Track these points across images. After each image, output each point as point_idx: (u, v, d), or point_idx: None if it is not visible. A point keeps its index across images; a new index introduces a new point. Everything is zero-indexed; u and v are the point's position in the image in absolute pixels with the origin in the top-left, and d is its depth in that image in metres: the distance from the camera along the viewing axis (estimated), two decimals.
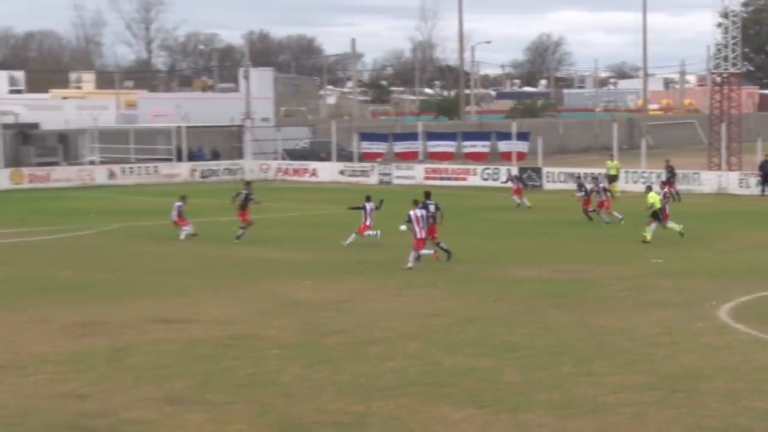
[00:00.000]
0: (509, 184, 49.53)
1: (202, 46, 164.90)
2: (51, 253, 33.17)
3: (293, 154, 71.96)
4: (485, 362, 19.03)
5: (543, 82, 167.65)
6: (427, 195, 31.98)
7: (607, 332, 21.48)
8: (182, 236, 36.11)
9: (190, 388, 17.19)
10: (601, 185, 42.54)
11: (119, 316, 23.04)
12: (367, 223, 34.60)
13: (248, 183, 40.74)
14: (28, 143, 69.34)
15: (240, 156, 72.82)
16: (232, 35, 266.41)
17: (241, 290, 26.45)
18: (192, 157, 70.76)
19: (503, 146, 64.82)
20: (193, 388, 17.23)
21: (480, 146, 65.54)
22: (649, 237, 35.03)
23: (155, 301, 24.83)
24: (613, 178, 52.60)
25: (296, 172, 64.29)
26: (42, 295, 25.60)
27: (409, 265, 29.75)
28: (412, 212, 30.38)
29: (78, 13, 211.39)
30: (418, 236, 30.09)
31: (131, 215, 44.14)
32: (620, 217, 40.11)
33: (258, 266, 30.59)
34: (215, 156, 73.43)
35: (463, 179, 62.19)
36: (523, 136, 64.95)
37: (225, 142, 76.96)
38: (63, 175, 62.36)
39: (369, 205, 34.95)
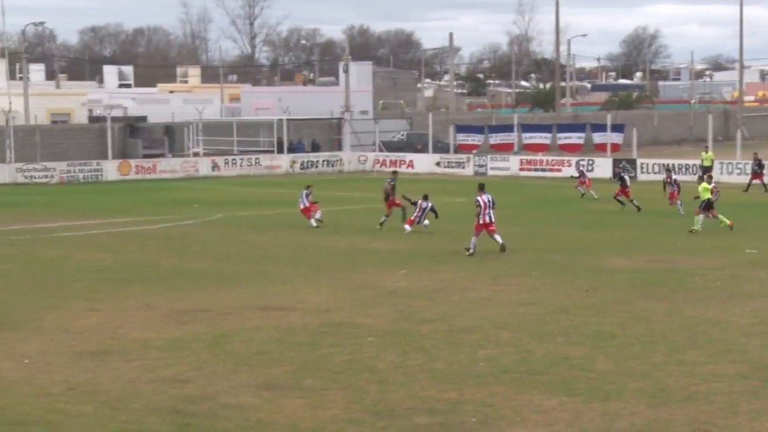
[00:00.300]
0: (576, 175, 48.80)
1: (303, 41, 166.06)
2: (155, 242, 33.59)
3: (390, 146, 72.02)
4: (577, 351, 18.81)
5: (638, 74, 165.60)
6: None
7: (699, 322, 21.09)
8: (313, 223, 36.73)
9: (287, 374, 17.26)
10: (674, 177, 42.26)
11: (220, 303, 23.23)
12: (412, 218, 35.45)
13: (395, 172, 41.26)
14: (136, 136, 70.41)
15: (339, 148, 73.11)
16: (333, 30, 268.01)
17: (338, 279, 26.50)
18: (292, 149, 71.23)
19: (598, 138, 64.23)
20: (291, 374, 17.29)
21: (575, 138, 65.04)
22: (697, 227, 34.41)
23: (255, 289, 24.99)
24: (707, 170, 51.89)
25: (393, 163, 64.26)
26: (146, 283, 25.93)
27: (471, 251, 29.92)
28: (479, 198, 30.69)
29: (185, 10, 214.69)
30: (481, 222, 30.46)
31: (233, 206, 44.56)
32: (681, 211, 39.41)
33: (355, 255, 30.63)
34: (315, 148, 73.85)
35: (558, 170, 61.70)
36: (617, 128, 64.29)
37: (324, 134, 77.38)
38: (168, 166, 63.22)
39: (425, 204, 35.57)
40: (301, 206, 37.44)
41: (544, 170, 62.01)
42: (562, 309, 22.55)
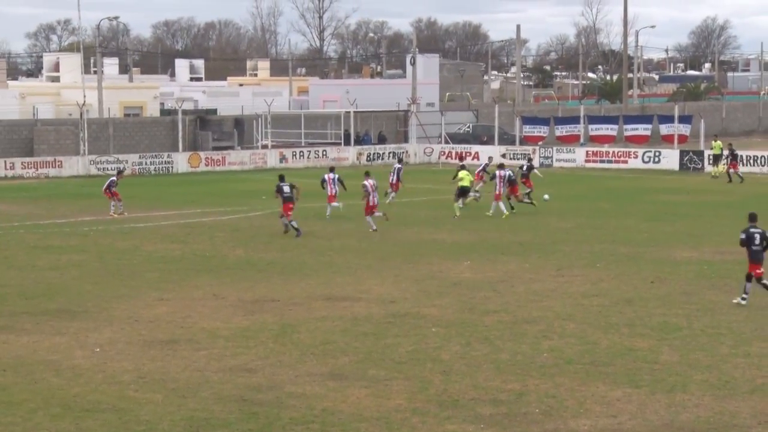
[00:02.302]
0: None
1: (371, 34, 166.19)
2: (223, 233, 33.83)
3: (456, 138, 71.84)
4: (642, 342, 18.64)
5: (707, 65, 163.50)
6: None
7: (767, 314, 20.78)
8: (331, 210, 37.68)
9: (352, 364, 17.30)
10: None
11: (287, 293, 23.34)
12: (331, 193, 37.14)
13: (530, 159, 43.61)
14: (206, 128, 70.89)
15: (405, 140, 73.07)
16: (401, 23, 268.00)
17: (403, 270, 26.50)
18: (359, 141, 71.30)
19: (665, 129, 63.58)
20: (356, 363, 17.34)
21: (641, 129, 64.45)
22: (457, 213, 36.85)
23: (321, 280, 25.08)
24: (717, 158, 55.69)
25: (459, 155, 63.99)
26: (214, 273, 26.13)
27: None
28: (366, 182, 34.75)
29: (256, 4, 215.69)
30: (370, 203, 34.44)
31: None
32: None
33: (419, 246, 30.61)
34: (381, 140, 73.85)
35: (624, 162, 61.13)
36: (685, 119, 63.57)
37: (391, 126, 77.34)
38: (237, 158, 63.57)
39: (330, 176, 37.28)
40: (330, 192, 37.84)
41: (610, 161, 61.46)
42: (626, 300, 22.36)
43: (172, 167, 60.86)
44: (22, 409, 14.77)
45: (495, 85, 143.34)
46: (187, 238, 32.65)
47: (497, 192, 38.04)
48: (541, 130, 66.64)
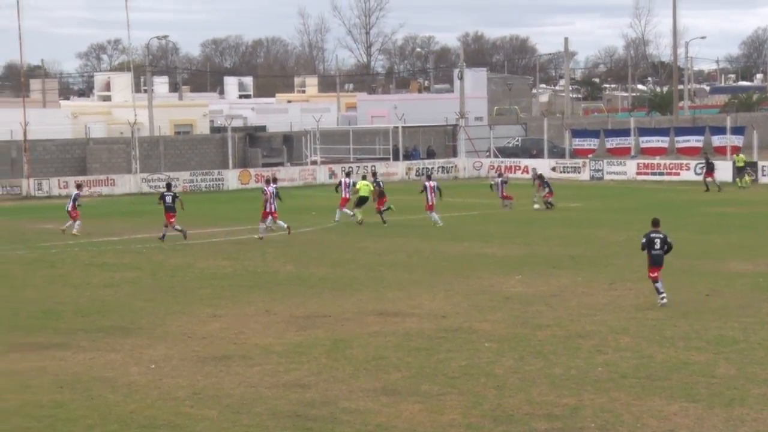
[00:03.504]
0: None
1: (419, 49, 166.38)
2: (274, 249, 33.96)
3: (505, 152, 71.71)
4: (698, 356, 18.47)
5: (759, 76, 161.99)
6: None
7: None
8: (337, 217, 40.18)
9: (405, 379, 17.28)
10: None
11: (339, 309, 23.38)
12: (268, 209, 37.39)
13: (374, 174, 45.23)
14: (256, 145, 71.34)
15: (454, 154, 73.04)
16: (448, 38, 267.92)
17: (454, 284, 26.46)
18: (408, 156, 71.38)
19: (717, 141, 63.10)
20: (409, 379, 17.32)
21: (693, 141, 64.01)
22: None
23: (372, 295, 25.10)
24: (741, 170, 55.93)
25: (508, 169, 63.91)
26: (266, 289, 26.23)
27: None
28: (266, 188, 37.52)
29: (303, 21, 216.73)
30: (267, 210, 36.90)
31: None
32: None
33: (470, 261, 30.56)
34: (430, 155, 73.88)
35: (676, 174, 60.73)
36: (737, 131, 63.09)
37: (440, 141, 77.40)
38: (287, 174, 63.87)
39: (270, 189, 37.75)
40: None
41: (661, 174, 61.09)
42: (681, 314, 22.17)
43: (222, 184, 61.30)
44: (79, 426, 14.90)
45: (543, 98, 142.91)
46: (238, 255, 32.82)
47: (429, 203, 39.85)
48: (591, 143, 66.38)
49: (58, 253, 33.96)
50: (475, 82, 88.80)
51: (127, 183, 60.30)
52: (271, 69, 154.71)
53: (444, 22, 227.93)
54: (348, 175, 44.04)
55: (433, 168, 68.24)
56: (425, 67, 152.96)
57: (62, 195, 56.00)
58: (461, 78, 78.71)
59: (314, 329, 21.32)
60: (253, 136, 72.88)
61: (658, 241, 23.26)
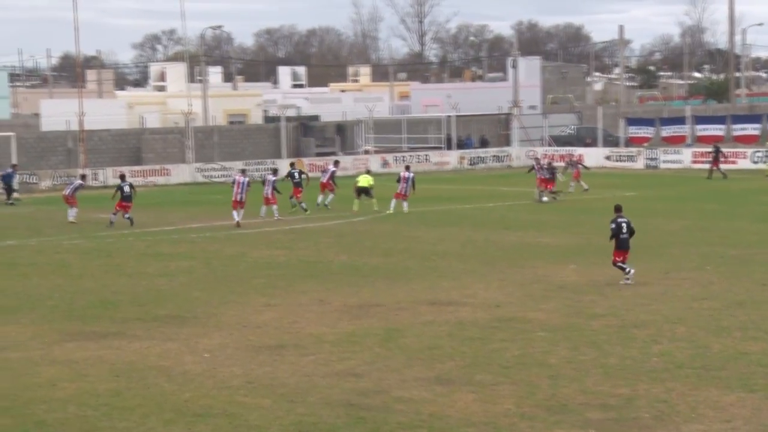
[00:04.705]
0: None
1: (472, 38, 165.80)
2: (328, 239, 34.05)
3: (559, 141, 71.35)
4: (755, 346, 18.29)
5: None
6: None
7: None
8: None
9: (459, 369, 17.28)
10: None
11: (392, 298, 23.40)
12: (239, 199, 38.01)
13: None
14: (309, 134, 71.49)
15: (507, 143, 72.79)
16: (502, 26, 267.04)
17: (508, 274, 26.39)
18: (461, 145, 71.23)
19: None
20: (462, 368, 17.31)
21: (750, 129, 63.35)
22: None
23: (426, 285, 25.09)
24: None
25: (562, 157, 63.55)
26: (319, 279, 26.31)
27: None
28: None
29: (356, 10, 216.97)
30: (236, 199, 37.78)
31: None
32: None
33: (524, 251, 30.45)
34: (483, 144, 73.68)
35: (733, 162, 60.04)
36: None
37: (493, 129, 77.13)
38: (341, 164, 63.86)
39: (240, 179, 38.43)
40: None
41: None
42: (738, 303, 21.96)
43: (276, 173, 61.45)
44: (135, 414, 15.05)
45: (598, 86, 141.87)
46: (292, 244, 32.95)
47: (400, 192, 41.11)
48: (646, 131, 65.90)
49: (114, 242, 34.29)
50: (529, 70, 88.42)
51: (182, 173, 60.71)
52: (324, 58, 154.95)
53: (497, 11, 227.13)
54: (407, 168, 43.85)
55: (486, 157, 68.11)
56: (479, 55, 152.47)
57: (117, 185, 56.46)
58: (515, 66, 78.36)
59: (367, 318, 21.36)
60: (306, 125, 73.05)
61: (624, 225, 24.35)
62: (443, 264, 28.27)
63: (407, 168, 43.65)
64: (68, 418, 14.96)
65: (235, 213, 37.90)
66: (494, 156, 68.88)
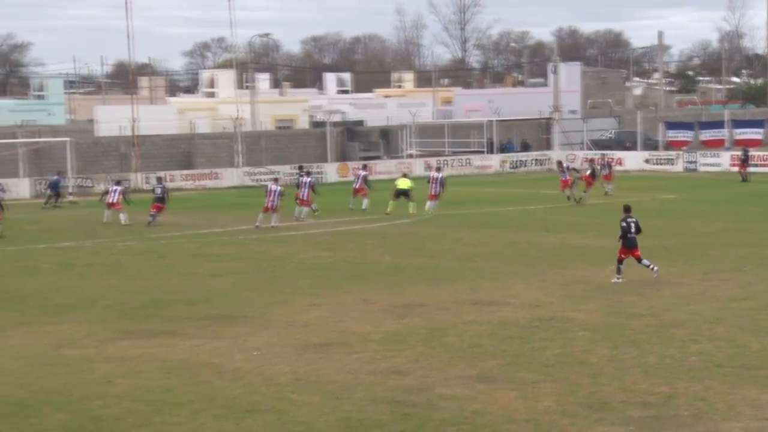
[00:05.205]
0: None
1: (513, 44, 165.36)
2: (372, 240, 34.09)
3: (599, 144, 71.01)
4: None
5: None
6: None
7: None
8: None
9: (500, 367, 17.25)
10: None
11: (435, 298, 23.40)
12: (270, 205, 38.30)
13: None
14: (354, 139, 71.64)
15: (548, 147, 72.55)
16: (542, 32, 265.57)
17: (548, 275, 26.31)
18: (503, 149, 71.10)
19: None
20: (504, 366, 17.27)
21: None
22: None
23: (468, 285, 25.07)
24: None
25: (594, 160, 63.23)
26: (364, 279, 26.36)
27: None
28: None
29: (400, 18, 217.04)
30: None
31: (445, 204, 44.66)
32: None
33: (564, 252, 30.33)
34: (525, 147, 73.49)
35: None
36: None
37: (534, 134, 76.93)
38: (384, 168, 64.04)
39: (273, 186, 38.56)
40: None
41: (755, 165, 59.85)
42: None
43: (322, 177, 61.70)
44: (186, 410, 15.16)
45: (638, 91, 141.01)
46: (337, 246, 33.02)
47: (432, 193, 42.04)
48: (685, 135, 65.46)
49: (166, 244, 34.54)
50: (569, 75, 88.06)
51: (231, 176, 61.05)
52: (369, 65, 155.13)
53: (538, 18, 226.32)
54: (438, 169, 44.63)
55: (527, 160, 67.93)
56: (520, 61, 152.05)
57: (169, 188, 56.87)
58: (556, 72, 78.11)
59: (411, 318, 21.37)
60: (351, 130, 73.21)
61: (633, 225, 24.92)
62: (485, 265, 28.22)
63: (438, 169, 44.44)
64: (123, 413, 15.09)
65: (261, 215, 38.11)
66: (535, 159, 68.68)
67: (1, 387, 16.63)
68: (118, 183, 43.63)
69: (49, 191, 51.42)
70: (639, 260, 25.00)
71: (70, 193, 53.14)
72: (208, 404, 15.40)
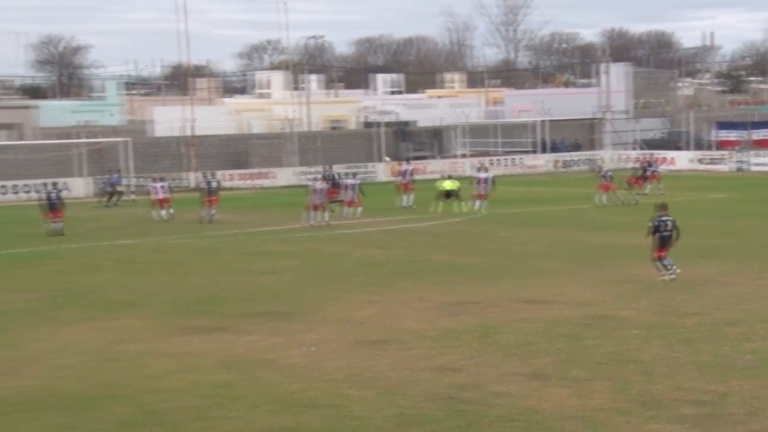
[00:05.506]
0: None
1: (564, 45, 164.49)
2: (424, 239, 34.06)
3: (650, 144, 70.44)
4: None
5: None
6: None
7: None
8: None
9: (553, 365, 17.15)
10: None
11: (487, 296, 23.33)
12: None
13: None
14: (406, 139, 71.61)
15: (599, 147, 72.08)
16: (592, 33, 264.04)
17: (599, 273, 26.13)
18: (553, 149, 70.75)
19: None
20: (557, 364, 17.18)
21: None
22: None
23: (520, 283, 24.96)
24: None
25: (641, 160, 62.70)
26: (418, 277, 26.33)
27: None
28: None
29: (451, 19, 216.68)
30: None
31: (496, 203, 44.52)
32: None
33: (615, 251, 30.11)
34: (575, 147, 73.08)
35: None
36: None
37: (584, 134, 76.46)
38: (436, 167, 63.89)
39: (319, 185, 39.32)
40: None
41: None
42: None
43: (374, 177, 61.75)
44: (244, 404, 15.23)
45: (688, 91, 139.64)
46: (390, 244, 33.03)
47: (481, 192, 42.36)
48: (736, 135, 64.76)
49: (222, 241, 34.74)
50: (619, 76, 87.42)
51: (286, 175, 61.26)
52: (420, 66, 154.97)
53: (588, 19, 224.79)
54: (485, 169, 45.28)
55: (578, 160, 67.54)
56: (570, 62, 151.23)
57: (226, 187, 57.24)
58: (606, 72, 77.58)
59: (464, 315, 21.32)
60: (403, 130, 73.19)
61: (669, 223, 24.69)
62: (536, 263, 28.09)
63: (485, 169, 44.96)
64: (181, 407, 15.19)
65: (312, 213, 38.35)
66: (586, 159, 68.24)
67: (62, 381, 16.82)
68: (161, 179, 44.21)
69: (108, 190, 51.99)
70: (661, 259, 24.89)
71: (132, 192, 53.64)
72: (265, 399, 15.46)
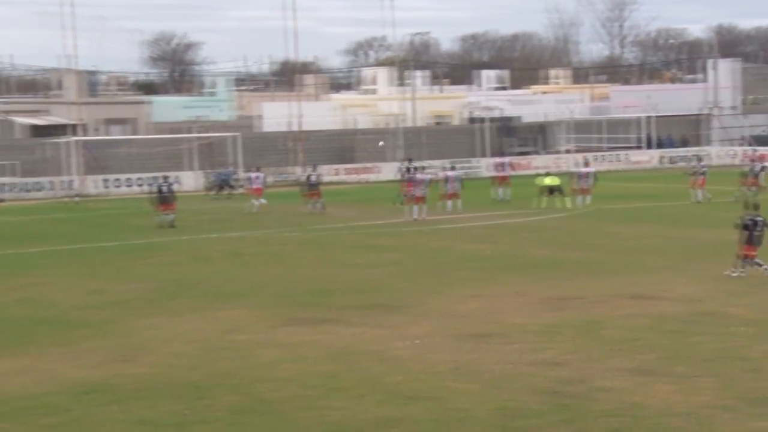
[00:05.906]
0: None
1: (671, 41, 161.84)
2: (528, 234, 33.88)
3: (761, 140, 68.93)
4: None
5: None
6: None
7: None
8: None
9: (658, 361, 16.93)
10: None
11: (592, 291, 23.11)
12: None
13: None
14: (511, 135, 71.29)
15: (707, 143, 70.82)
16: (701, 29, 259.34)
17: (708, 270, 25.68)
18: (660, 145, 69.72)
19: None
20: (662, 360, 16.95)
21: None
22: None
23: (626, 279, 24.67)
24: None
25: (762, 157, 61.37)
26: (521, 272, 26.21)
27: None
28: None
29: (557, 15, 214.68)
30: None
31: (600, 199, 44.07)
32: None
33: (723, 247, 29.39)
34: (683, 143, 71.91)
35: None
36: None
37: (692, 130, 75.18)
38: (541, 162, 63.54)
39: (451, 174, 41.10)
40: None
41: None
42: None
43: (478, 172, 61.61)
44: (350, 395, 15.35)
45: None
46: (493, 239, 32.93)
47: (583, 187, 42.47)
48: None
49: (327, 235, 35.03)
50: (727, 72, 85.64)
51: (391, 171, 61.45)
52: (526, 62, 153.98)
53: (696, 14, 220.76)
54: (587, 164, 45.53)
55: (685, 156, 66.49)
56: (678, 57, 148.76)
57: (333, 181, 57.70)
58: (714, 68, 76.16)
59: (568, 310, 21.16)
60: (508, 126, 72.88)
61: (760, 222, 24.76)
62: (643, 259, 27.73)
63: (587, 164, 45.26)
64: (289, 396, 15.38)
65: (415, 209, 38.40)
66: (694, 155, 67.05)
67: (176, 369, 17.16)
68: (258, 169, 45.10)
69: (219, 183, 52.87)
70: (751, 259, 24.75)
71: (241, 186, 54.42)
72: (371, 390, 15.56)
